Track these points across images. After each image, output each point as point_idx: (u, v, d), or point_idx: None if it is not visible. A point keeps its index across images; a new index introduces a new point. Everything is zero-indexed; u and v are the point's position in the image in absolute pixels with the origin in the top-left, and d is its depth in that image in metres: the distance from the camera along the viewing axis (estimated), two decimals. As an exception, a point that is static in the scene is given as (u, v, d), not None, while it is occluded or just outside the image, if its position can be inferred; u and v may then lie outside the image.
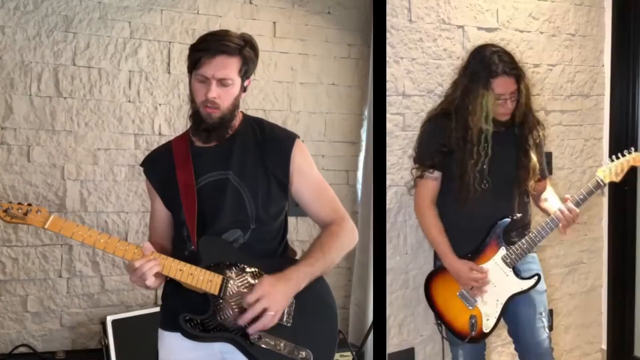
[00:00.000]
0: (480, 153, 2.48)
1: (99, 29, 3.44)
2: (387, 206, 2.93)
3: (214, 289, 1.88)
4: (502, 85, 2.44)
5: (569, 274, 3.62)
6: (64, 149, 3.40)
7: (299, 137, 2.05)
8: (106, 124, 3.48)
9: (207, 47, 1.94)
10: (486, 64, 2.45)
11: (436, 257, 2.69)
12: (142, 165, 2.16)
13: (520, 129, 2.56)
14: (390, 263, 2.97)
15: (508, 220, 2.52)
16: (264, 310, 1.83)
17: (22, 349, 3.30)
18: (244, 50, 1.96)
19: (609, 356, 3.71)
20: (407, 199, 3.02)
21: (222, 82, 1.93)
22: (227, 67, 1.93)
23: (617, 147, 3.59)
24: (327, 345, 2.01)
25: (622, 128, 3.59)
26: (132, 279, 1.87)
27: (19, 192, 3.30)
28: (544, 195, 2.70)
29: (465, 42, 3.09)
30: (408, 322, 3.07)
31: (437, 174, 2.57)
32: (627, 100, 3.56)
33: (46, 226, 1.83)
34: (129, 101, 3.53)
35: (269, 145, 2.02)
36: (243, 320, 1.85)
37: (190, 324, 1.85)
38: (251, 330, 1.85)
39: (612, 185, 3.58)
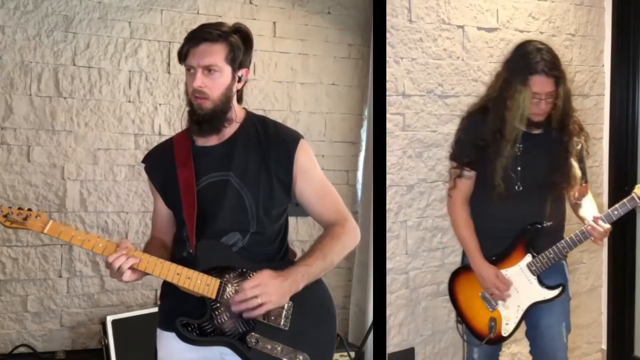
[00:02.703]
0: (512, 151, 2.41)
1: (99, 29, 3.44)
2: (387, 206, 2.93)
3: (211, 293, 1.87)
4: (540, 84, 2.34)
5: (569, 274, 3.61)
6: (64, 149, 3.40)
7: (303, 138, 2.02)
8: (106, 124, 3.48)
9: (191, 37, 1.94)
10: (526, 60, 2.36)
11: (464, 254, 2.63)
12: (143, 162, 2.13)
13: (558, 134, 2.46)
14: (390, 263, 2.97)
15: (537, 226, 2.44)
16: (254, 297, 1.82)
17: (22, 349, 3.30)
18: (230, 36, 1.93)
19: (609, 356, 3.71)
20: (407, 199, 3.02)
21: (207, 70, 1.91)
22: (211, 54, 1.91)
23: (618, 147, 3.61)
24: (325, 349, 1.99)
25: (622, 128, 3.59)
26: (111, 275, 1.89)
27: (19, 192, 3.30)
28: (582, 201, 2.59)
29: (465, 42, 3.09)
30: (408, 322, 3.07)
31: (472, 173, 2.52)
32: (627, 100, 3.57)
33: (45, 231, 1.83)
34: (129, 101, 3.53)
35: (272, 145, 1.98)
36: (233, 301, 1.85)
37: (187, 327, 1.84)
38: (235, 308, 1.85)
39: (612, 186, 3.61)
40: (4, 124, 3.28)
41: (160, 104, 3.60)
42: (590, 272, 3.70)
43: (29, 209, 1.84)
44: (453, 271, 2.66)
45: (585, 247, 3.66)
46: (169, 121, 3.61)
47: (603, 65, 3.63)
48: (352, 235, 2.04)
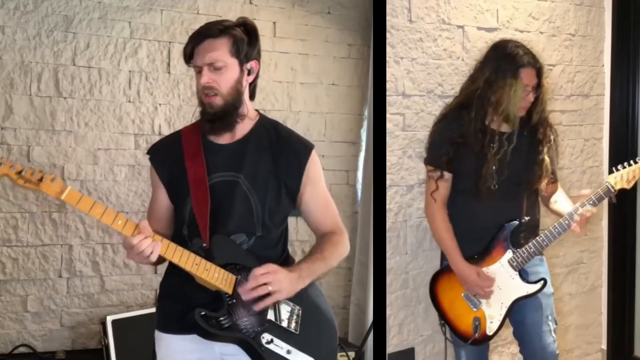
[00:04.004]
0: (500, 148, 2.45)
1: (99, 29, 3.45)
2: (387, 206, 2.93)
3: (228, 288, 1.86)
4: (528, 76, 2.42)
5: (569, 274, 3.62)
6: (64, 149, 3.40)
7: (314, 147, 2.03)
8: (106, 124, 3.48)
9: (193, 36, 1.92)
10: (513, 56, 2.43)
11: (443, 257, 2.65)
12: (148, 152, 2.07)
13: (533, 129, 2.52)
14: (390, 263, 2.97)
15: (516, 222, 2.49)
16: (265, 285, 1.83)
17: (22, 349, 3.30)
18: (232, 29, 1.92)
19: (609, 356, 3.71)
20: (407, 199, 3.02)
21: (213, 66, 1.89)
22: (214, 49, 1.89)
23: (618, 147, 3.61)
24: (329, 354, 2.03)
25: (622, 128, 3.59)
26: (129, 256, 1.80)
27: (19, 192, 3.30)
28: (554, 198, 2.66)
29: (465, 42, 3.09)
30: (408, 322, 3.07)
31: (450, 175, 2.54)
32: (627, 100, 3.57)
33: (62, 197, 1.75)
34: (129, 101, 3.53)
35: (284, 153, 1.98)
36: (244, 289, 1.84)
37: (206, 320, 1.82)
38: (246, 296, 1.84)
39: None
40: (4, 124, 3.28)
41: (160, 104, 3.60)
42: (590, 272, 3.70)
43: (42, 171, 1.76)
44: (433, 274, 2.67)
45: (585, 246, 3.67)
46: (169, 121, 3.61)
47: (603, 65, 3.63)
48: (347, 246, 2.09)
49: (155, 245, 1.78)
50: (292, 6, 3.90)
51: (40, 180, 1.74)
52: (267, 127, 2.03)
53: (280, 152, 1.98)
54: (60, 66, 3.38)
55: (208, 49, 1.89)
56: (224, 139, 1.97)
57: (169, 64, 3.59)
